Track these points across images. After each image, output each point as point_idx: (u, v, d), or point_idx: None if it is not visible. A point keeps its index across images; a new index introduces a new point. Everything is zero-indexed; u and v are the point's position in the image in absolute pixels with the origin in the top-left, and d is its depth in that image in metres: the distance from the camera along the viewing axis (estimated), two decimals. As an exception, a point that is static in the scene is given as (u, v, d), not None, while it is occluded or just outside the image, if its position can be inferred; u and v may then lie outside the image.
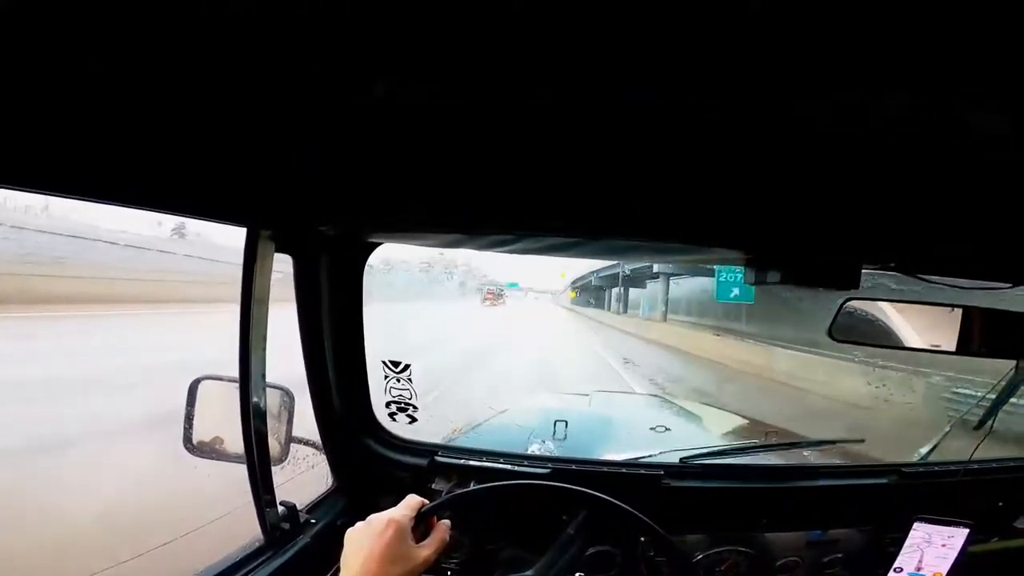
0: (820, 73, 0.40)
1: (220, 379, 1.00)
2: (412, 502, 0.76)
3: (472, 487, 0.98)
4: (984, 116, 0.46)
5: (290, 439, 1.04)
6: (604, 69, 0.41)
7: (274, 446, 0.98)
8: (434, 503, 0.80)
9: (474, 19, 0.35)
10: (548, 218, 0.77)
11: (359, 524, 0.72)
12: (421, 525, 0.75)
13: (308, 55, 0.41)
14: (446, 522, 0.77)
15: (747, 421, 2.06)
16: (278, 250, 0.85)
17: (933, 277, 0.86)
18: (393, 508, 0.74)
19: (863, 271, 0.79)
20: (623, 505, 0.85)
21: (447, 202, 0.76)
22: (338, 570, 0.69)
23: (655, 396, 4.43)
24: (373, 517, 0.72)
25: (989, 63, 0.37)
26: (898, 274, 0.87)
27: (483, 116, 0.52)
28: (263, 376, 0.87)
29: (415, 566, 0.69)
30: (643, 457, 1.27)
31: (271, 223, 0.82)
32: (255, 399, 0.86)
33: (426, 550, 0.71)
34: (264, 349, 0.86)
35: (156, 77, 0.44)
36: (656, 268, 15.53)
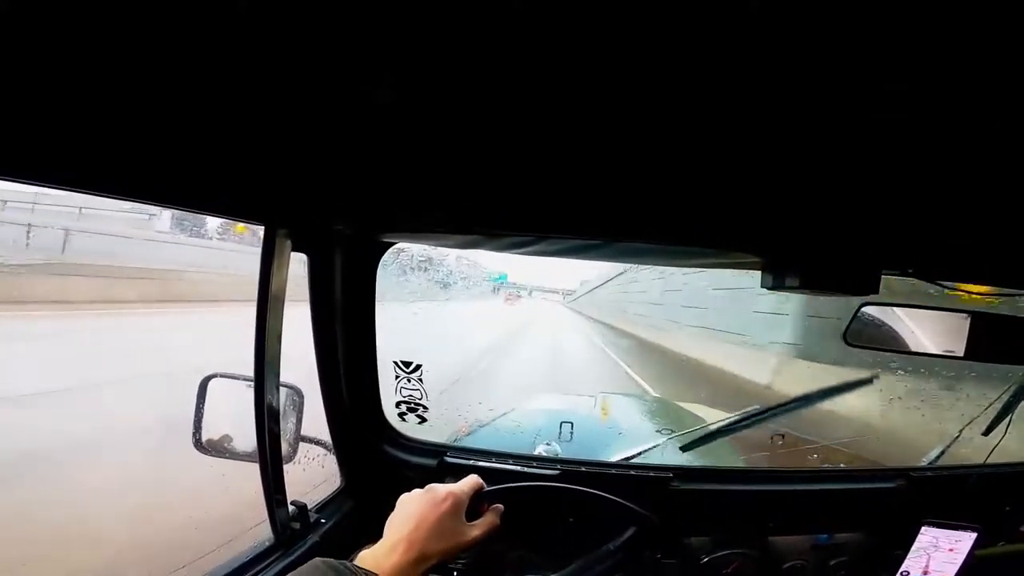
0: (835, 77, 0.40)
1: (231, 377, 1.00)
2: (473, 481, 0.75)
3: (532, 482, 0.98)
4: (1002, 122, 0.45)
5: (299, 438, 1.04)
6: (617, 71, 0.41)
7: (283, 445, 0.98)
8: (495, 487, 0.80)
9: (486, 20, 0.35)
10: (566, 220, 0.77)
11: (416, 491, 0.71)
12: (475, 506, 0.74)
13: (326, 54, 0.41)
14: (500, 507, 0.76)
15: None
16: (295, 249, 0.85)
17: (951, 284, 0.86)
18: (454, 483, 0.73)
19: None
20: (647, 512, 0.83)
21: (464, 203, 0.76)
22: (369, 541, 0.67)
23: (659, 398, 4.43)
24: (433, 486, 0.71)
25: (1007, 67, 0.37)
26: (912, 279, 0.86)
27: (501, 117, 0.52)
28: (277, 375, 0.87)
29: (460, 543, 0.68)
30: (651, 460, 1.27)
31: (288, 221, 0.82)
32: (269, 398, 0.86)
33: (476, 530, 0.71)
34: (279, 347, 0.86)
35: (180, 79, 0.44)
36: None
